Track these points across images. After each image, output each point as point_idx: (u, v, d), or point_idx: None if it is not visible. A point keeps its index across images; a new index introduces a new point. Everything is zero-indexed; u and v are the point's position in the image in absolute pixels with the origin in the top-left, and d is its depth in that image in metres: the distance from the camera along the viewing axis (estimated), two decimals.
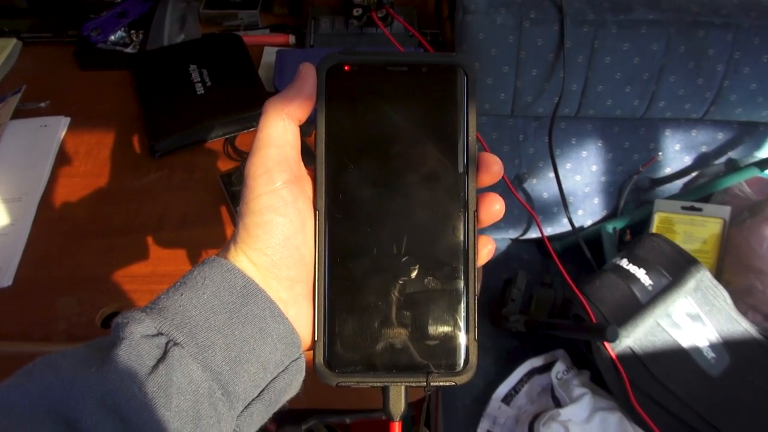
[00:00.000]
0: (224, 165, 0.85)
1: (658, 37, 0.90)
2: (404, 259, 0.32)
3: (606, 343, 0.84)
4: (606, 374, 0.86)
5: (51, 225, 0.77)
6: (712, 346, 0.88)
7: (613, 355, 0.84)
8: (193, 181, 0.83)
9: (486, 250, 0.34)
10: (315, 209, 0.32)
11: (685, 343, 0.87)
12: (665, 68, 0.92)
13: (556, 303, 0.97)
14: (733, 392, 0.86)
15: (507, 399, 0.91)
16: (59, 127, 0.88)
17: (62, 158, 0.85)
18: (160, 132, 0.84)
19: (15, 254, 0.73)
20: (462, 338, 0.32)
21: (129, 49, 0.99)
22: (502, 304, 0.98)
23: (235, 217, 0.32)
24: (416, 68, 0.33)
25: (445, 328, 0.32)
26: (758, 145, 1.03)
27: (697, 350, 0.87)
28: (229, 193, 0.80)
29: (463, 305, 0.32)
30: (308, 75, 0.32)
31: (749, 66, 0.92)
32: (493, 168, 0.33)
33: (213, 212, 0.80)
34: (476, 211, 0.33)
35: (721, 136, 1.03)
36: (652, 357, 0.86)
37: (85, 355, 0.28)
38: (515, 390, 0.92)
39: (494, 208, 0.33)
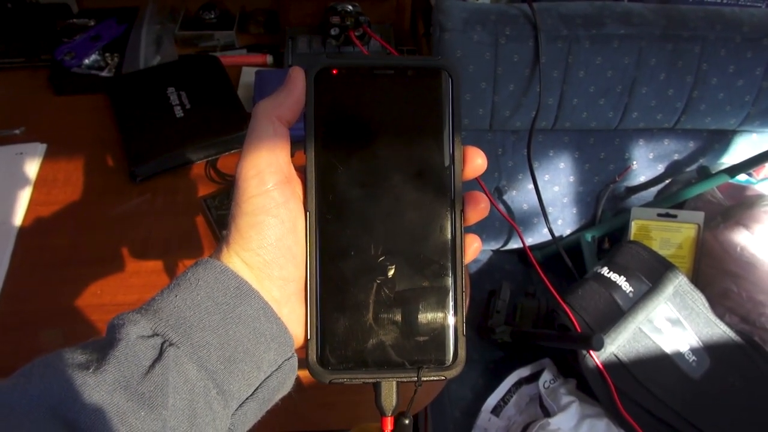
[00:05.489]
0: (207, 188, 0.84)
1: (629, 51, 0.93)
2: (393, 257, 0.33)
3: (591, 351, 0.86)
4: (592, 382, 0.87)
5: (31, 255, 0.76)
6: (693, 350, 0.90)
7: (598, 362, 0.86)
8: (175, 205, 0.82)
9: (472, 248, 0.34)
10: (306, 210, 0.33)
11: (667, 347, 0.90)
12: (637, 80, 0.95)
13: (540, 312, 0.99)
14: (715, 393, 0.88)
15: (496, 410, 0.92)
16: (35, 154, 0.86)
17: (40, 186, 0.83)
18: (140, 156, 0.83)
19: None
20: (451, 334, 0.33)
21: (104, 73, 0.98)
22: (487, 316, 0.99)
23: (227, 220, 0.33)
24: (402, 71, 0.34)
25: (434, 324, 0.33)
26: (727, 152, 1.07)
27: (678, 354, 0.90)
28: (213, 216, 0.79)
29: (451, 302, 0.33)
30: (297, 78, 0.33)
31: (716, 77, 0.95)
32: (476, 161, 0.34)
33: (197, 235, 0.79)
34: (463, 210, 0.33)
35: (692, 145, 1.06)
36: (636, 362, 0.88)
37: (82, 356, 0.28)
38: (504, 401, 0.93)
39: (479, 206, 0.34)
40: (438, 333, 0.33)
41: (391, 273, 0.33)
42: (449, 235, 0.33)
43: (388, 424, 0.34)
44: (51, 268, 0.75)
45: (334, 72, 0.33)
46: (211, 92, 0.93)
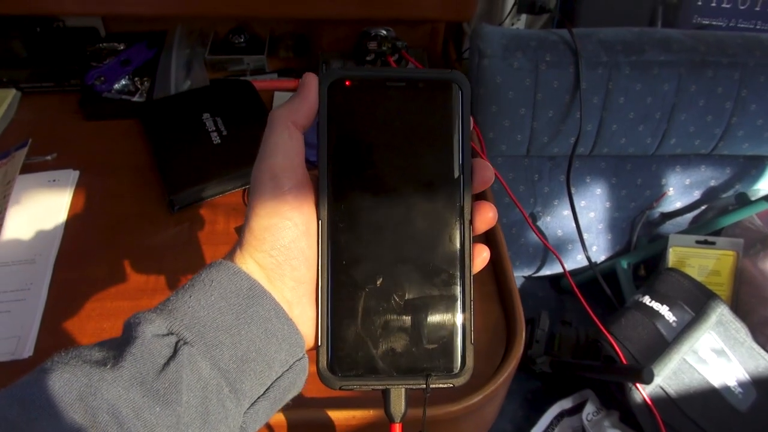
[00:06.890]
0: (244, 216, 0.82)
1: (669, 77, 0.92)
2: (404, 266, 0.33)
3: (638, 384, 0.84)
4: (639, 415, 0.85)
5: (69, 287, 0.73)
6: (739, 381, 0.88)
7: (645, 396, 0.84)
8: (214, 234, 0.80)
9: (481, 258, 0.35)
10: (318, 219, 0.33)
11: (713, 379, 0.88)
12: (676, 107, 0.94)
13: (579, 341, 0.97)
14: (764, 426, 0.86)
15: None
16: (68, 181, 0.84)
17: (75, 214, 0.81)
18: (178, 185, 0.81)
19: (33, 321, 0.69)
20: (459, 342, 0.33)
21: (136, 98, 0.96)
22: (526, 346, 0.97)
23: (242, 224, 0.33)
24: (413, 84, 0.34)
25: (443, 333, 0.33)
26: (763, 178, 1.06)
27: (725, 386, 0.88)
28: None
29: (459, 311, 0.33)
30: (311, 84, 0.34)
31: (756, 103, 0.95)
32: (485, 173, 0.34)
33: None
34: (471, 220, 0.34)
35: (728, 171, 1.05)
36: (683, 395, 0.86)
37: (99, 353, 0.29)
38: None
39: (488, 215, 0.34)
40: (446, 341, 0.33)
41: (400, 281, 0.33)
42: (458, 245, 0.34)
43: (397, 430, 0.34)
44: (90, 301, 0.72)
45: (347, 83, 0.34)
46: (247, 118, 0.91)
